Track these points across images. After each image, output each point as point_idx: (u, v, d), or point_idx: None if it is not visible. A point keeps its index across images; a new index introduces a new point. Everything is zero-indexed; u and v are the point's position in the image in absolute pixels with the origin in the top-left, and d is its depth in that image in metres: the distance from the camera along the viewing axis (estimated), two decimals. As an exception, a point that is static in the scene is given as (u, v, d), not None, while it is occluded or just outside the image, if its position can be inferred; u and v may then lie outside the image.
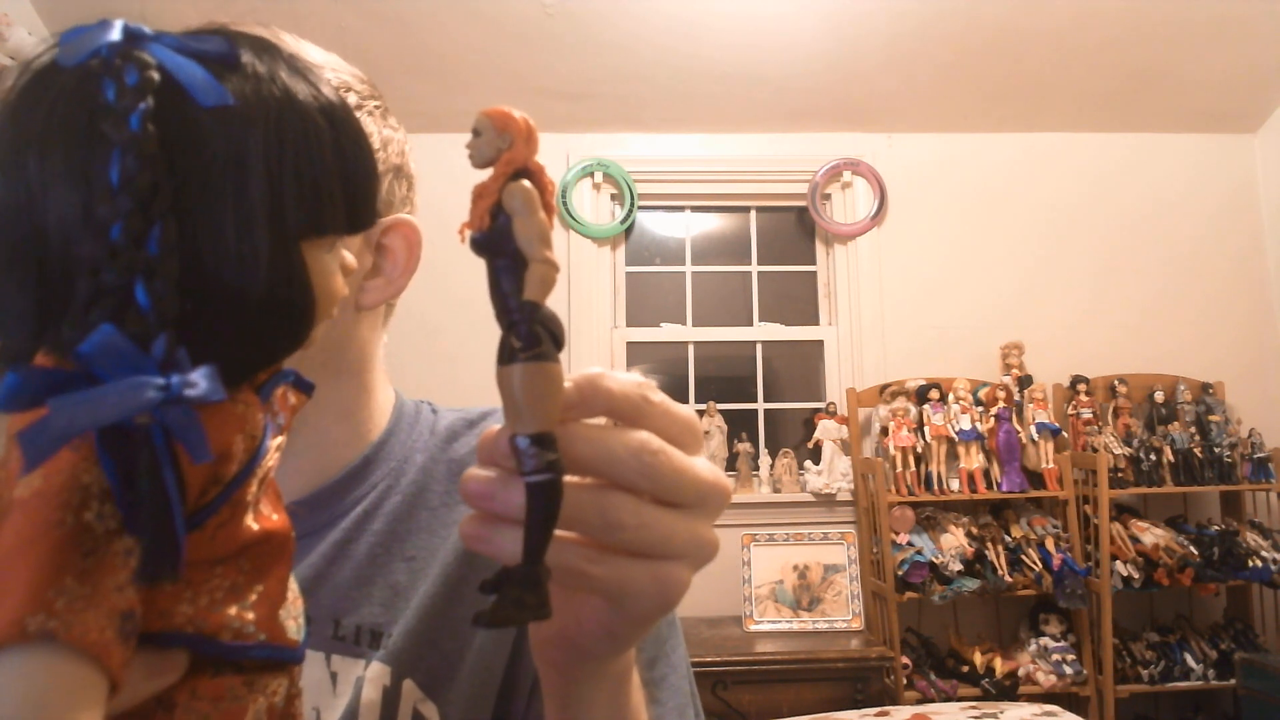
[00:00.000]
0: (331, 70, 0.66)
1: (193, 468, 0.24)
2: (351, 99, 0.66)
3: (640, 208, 3.39)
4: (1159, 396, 3.18)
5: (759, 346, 3.45)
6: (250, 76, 0.27)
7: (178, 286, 0.24)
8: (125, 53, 0.25)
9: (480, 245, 0.31)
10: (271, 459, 0.28)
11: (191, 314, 0.24)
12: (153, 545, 0.23)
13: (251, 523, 0.28)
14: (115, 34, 0.25)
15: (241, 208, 0.26)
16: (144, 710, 0.25)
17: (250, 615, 0.27)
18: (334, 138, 0.28)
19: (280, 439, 0.29)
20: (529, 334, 0.31)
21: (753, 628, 2.88)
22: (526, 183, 0.31)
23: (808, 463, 3.21)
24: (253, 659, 0.27)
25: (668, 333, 3.43)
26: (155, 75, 0.24)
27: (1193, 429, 3.11)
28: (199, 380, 0.23)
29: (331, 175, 0.28)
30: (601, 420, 0.36)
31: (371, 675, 0.60)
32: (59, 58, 0.25)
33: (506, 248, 0.31)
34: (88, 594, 0.21)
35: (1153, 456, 3.05)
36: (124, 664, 0.22)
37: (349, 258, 0.32)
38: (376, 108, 0.68)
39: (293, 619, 0.29)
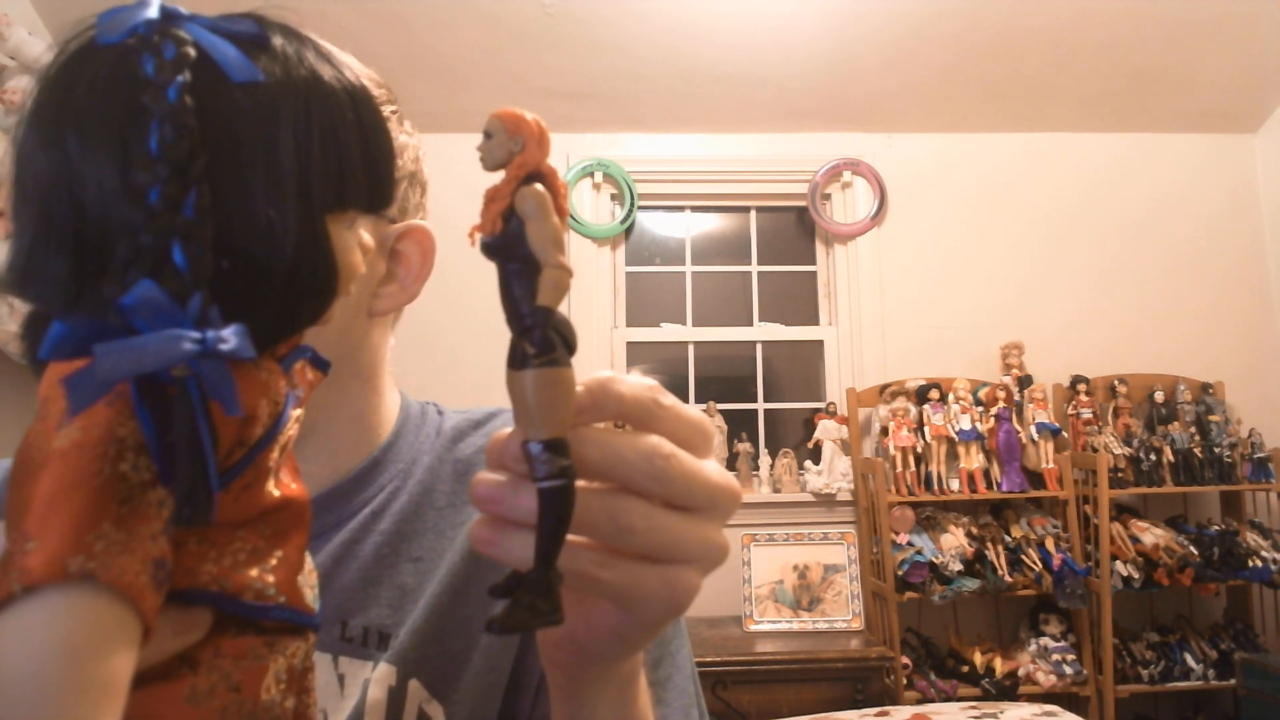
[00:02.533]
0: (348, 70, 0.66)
1: (222, 426, 0.25)
2: None
3: (640, 208, 3.39)
4: (1159, 396, 3.18)
5: (759, 346, 3.45)
6: (279, 57, 0.28)
7: (212, 249, 0.25)
8: (163, 30, 0.26)
9: (492, 249, 0.31)
10: (292, 428, 0.29)
11: (222, 279, 0.25)
12: (188, 490, 0.24)
13: (272, 489, 0.29)
14: (153, 12, 0.26)
15: (271, 179, 0.27)
16: (169, 666, 0.26)
17: (271, 578, 0.28)
18: (357, 118, 0.29)
19: (299, 410, 0.30)
20: (543, 339, 0.30)
21: (753, 628, 2.88)
22: (540, 186, 0.31)
23: (808, 463, 3.21)
24: (273, 620, 0.28)
25: (668, 333, 3.43)
26: (191, 51, 0.26)
27: (1193, 429, 3.11)
28: (230, 337, 0.24)
29: (354, 153, 0.29)
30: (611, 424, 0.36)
31: (378, 676, 0.60)
32: (98, 35, 0.26)
33: (519, 252, 0.31)
34: (124, 539, 0.22)
35: (1153, 456, 3.05)
36: (156, 609, 0.23)
37: (366, 237, 0.32)
38: (393, 113, 0.68)
39: (309, 587, 0.30)
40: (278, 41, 0.28)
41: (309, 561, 0.31)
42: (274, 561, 0.28)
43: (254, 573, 0.28)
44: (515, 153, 0.31)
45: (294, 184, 0.27)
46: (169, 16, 0.26)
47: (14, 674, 0.21)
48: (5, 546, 0.22)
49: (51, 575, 0.21)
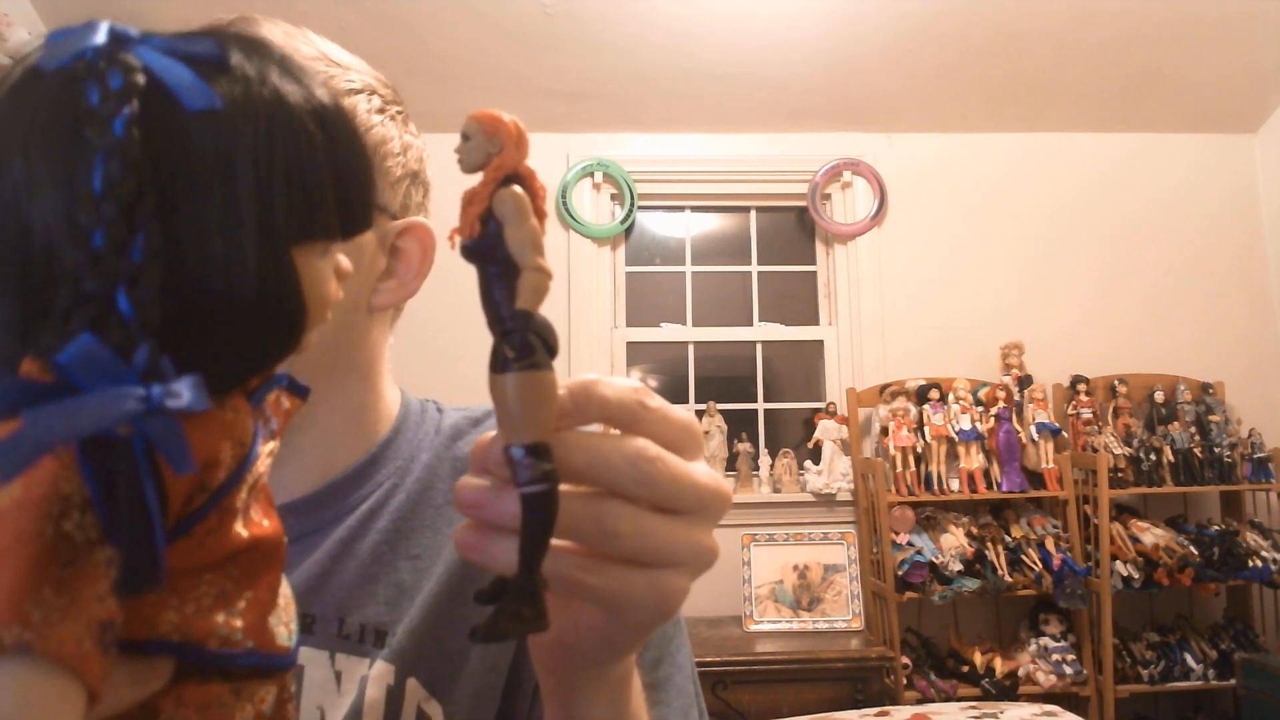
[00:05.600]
0: (356, 73, 0.67)
1: (173, 481, 0.24)
2: (375, 102, 0.66)
3: (640, 208, 3.39)
4: (1159, 396, 3.18)
5: (759, 346, 3.45)
6: (239, 79, 0.26)
7: (161, 295, 0.23)
8: (110, 55, 0.24)
9: (471, 252, 0.31)
10: (263, 465, 0.28)
11: (178, 321, 0.24)
12: (132, 557, 0.22)
13: (241, 529, 0.27)
14: (100, 36, 0.24)
15: (228, 213, 0.25)
16: (129, 718, 0.25)
17: (238, 622, 0.27)
18: (326, 141, 0.27)
19: (273, 444, 0.29)
20: (523, 343, 0.30)
21: (753, 628, 2.88)
22: (517, 188, 0.30)
23: (808, 463, 3.21)
24: (240, 667, 0.27)
25: (668, 333, 3.43)
26: (140, 79, 0.24)
27: (1193, 429, 3.11)
28: (183, 390, 0.22)
29: (323, 179, 0.27)
30: (597, 427, 0.35)
31: (376, 674, 0.60)
32: (40, 61, 0.24)
33: (498, 255, 0.30)
34: (65, 605, 0.21)
35: (1153, 456, 3.05)
36: (103, 675, 0.22)
37: (344, 261, 0.31)
38: (399, 113, 0.68)
39: (283, 625, 0.29)
40: (237, 61, 0.26)
41: (285, 595, 0.30)
42: (242, 604, 0.27)
43: (220, 618, 0.26)
44: (493, 154, 0.30)
45: (254, 218, 0.25)
46: (119, 39, 0.25)
47: None
48: None
49: None
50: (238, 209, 0.25)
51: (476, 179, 0.31)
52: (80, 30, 0.24)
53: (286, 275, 0.26)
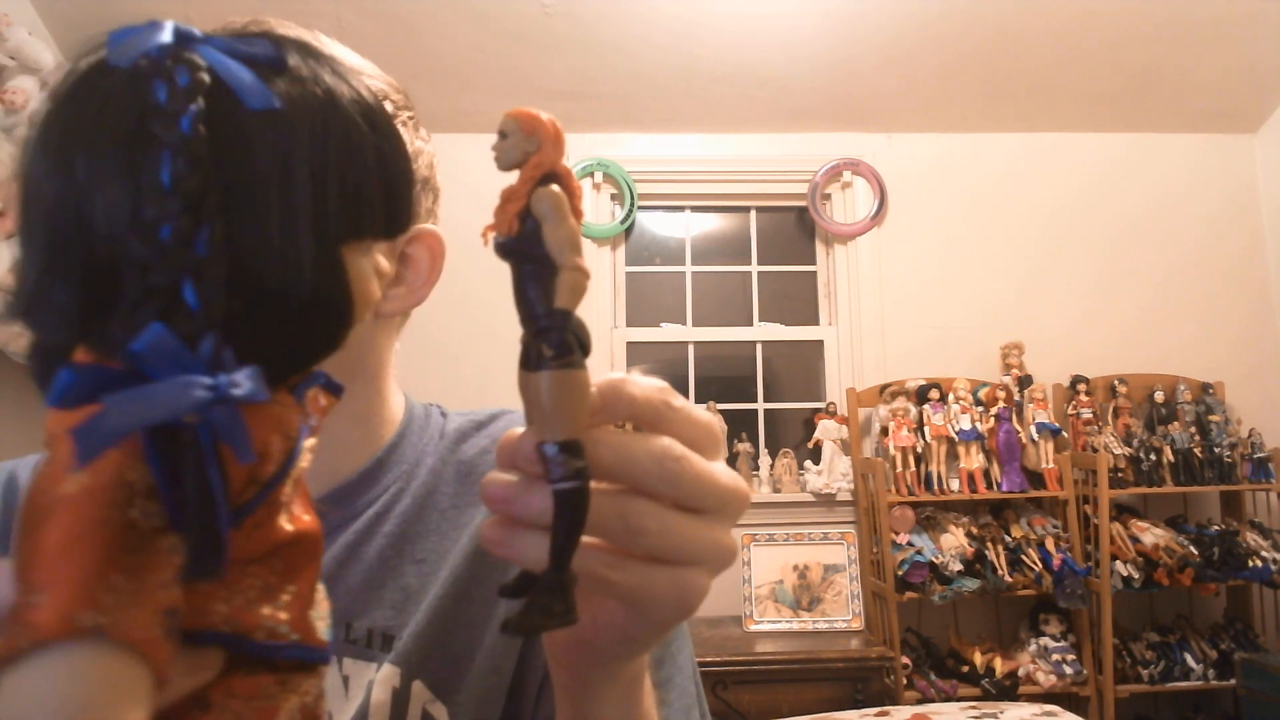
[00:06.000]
0: (368, 77, 0.67)
1: (234, 467, 0.24)
2: (387, 107, 0.66)
3: (640, 208, 3.39)
4: (1159, 396, 3.19)
5: (759, 346, 3.45)
6: (296, 80, 0.27)
7: (224, 287, 0.24)
8: (176, 54, 0.25)
9: (507, 250, 0.31)
10: (305, 460, 0.28)
11: (235, 315, 0.24)
12: (198, 543, 0.23)
13: (285, 524, 0.28)
14: (166, 35, 0.25)
15: (286, 211, 0.26)
16: (180, 708, 0.25)
17: (283, 615, 0.27)
18: (375, 142, 0.28)
19: (312, 440, 0.29)
20: (561, 341, 0.30)
21: (753, 628, 2.88)
22: (556, 188, 0.30)
23: (808, 463, 3.21)
24: (285, 659, 0.28)
25: (668, 333, 3.43)
26: (206, 77, 0.25)
27: (1193, 429, 3.11)
28: (243, 381, 0.23)
29: (372, 179, 0.28)
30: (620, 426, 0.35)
31: (382, 677, 0.60)
32: (109, 58, 0.25)
33: (535, 253, 0.30)
34: (134, 591, 0.22)
35: (1153, 456, 3.05)
36: (169, 661, 0.22)
37: (383, 262, 0.32)
38: (410, 119, 0.68)
39: (321, 620, 0.29)
40: (294, 62, 0.27)
41: (321, 593, 0.30)
42: (286, 598, 0.28)
43: (266, 610, 0.27)
44: (531, 153, 0.30)
45: (310, 216, 0.26)
46: (183, 39, 0.25)
47: None
48: (14, 597, 0.22)
49: (61, 632, 0.21)
50: (294, 207, 0.26)
51: (510, 177, 0.31)
52: (145, 29, 0.25)
53: (337, 272, 0.27)
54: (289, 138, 0.26)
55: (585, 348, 0.31)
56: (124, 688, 0.21)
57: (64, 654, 0.21)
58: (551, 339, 0.30)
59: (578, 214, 0.31)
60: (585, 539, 0.32)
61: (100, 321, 0.24)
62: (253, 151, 0.25)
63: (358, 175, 0.27)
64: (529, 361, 0.31)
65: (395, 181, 0.29)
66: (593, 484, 0.32)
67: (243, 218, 0.25)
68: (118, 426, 0.22)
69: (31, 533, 0.22)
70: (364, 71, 0.67)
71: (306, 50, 0.28)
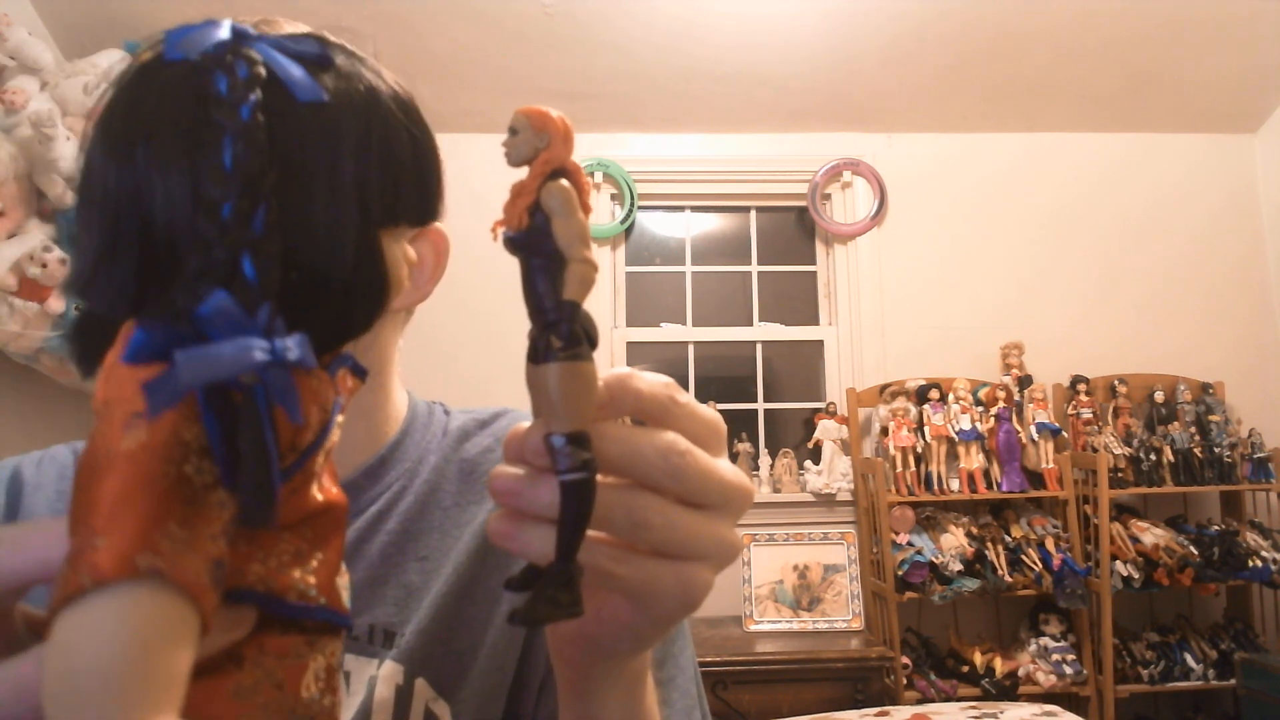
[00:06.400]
0: None
1: (283, 429, 0.26)
2: None
3: (640, 208, 3.39)
4: (1159, 396, 3.19)
5: (759, 346, 3.45)
6: (341, 76, 0.29)
7: (278, 262, 0.26)
8: (235, 49, 0.27)
9: (517, 244, 0.31)
10: (336, 434, 0.30)
11: (284, 290, 0.26)
12: (252, 494, 0.25)
13: (316, 493, 0.30)
14: (225, 33, 0.27)
15: (333, 195, 0.28)
16: (216, 662, 0.27)
17: (313, 579, 0.29)
18: (410, 136, 0.31)
19: (342, 417, 0.30)
20: (569, 333, 0.31)
21: (753, 628, 2.88)
22: (566, 182, 0.31)
23: (808, 463, 3.21)
24: (314, 620, 0.29)
25: (668, 333, 3.43)
26: (263, 71, 0.27)
27: (1193, 429, 3.11)
28: (295, 347, 0.25)
29: (408, 169, 0.30)
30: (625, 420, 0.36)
31: (384, 674, 0.60)
32: (168, 53, 0.27)
33: (544, 247, 0.31)
34: (188, 539, 0.23)
35: (1153, 456, 3.05)
36: (214, 608, 0.24)
37: (410, 250, 0.34)
38: None
39: (344, 589, 0.31)
40: (339, 60, 0.29)
41: (343, 564, 0.32)
42: (315, 563, 0.29)
43: (297, 574, 0.29)
44: (541, 149, 0.31)
45: (353, 200, 0.28)
46: (240, 36, 0.27)
47: (84, 664, 0.21)
48: (73, 543, 0.23)
49: (121, 571, 0.22)
50: (340, 192, 0.28)
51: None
52: (203, 27, 0.27)
53: (376, 253, 0.29)
54: (335, 128, 0.28)
55: (593, 340, 0.32)
56: (177, 628, 0.23)
57: (123, 593, 0.22)
58: (560, 331, 0.31)
59: (587, 209, 0.32)
60: (590, 533, 0.33)
61: (154, 296, 0.26)
62: (303, 140, 0.28)
63: (395, 164, 0.30)
64: (537, 354, 0.31)
65: (427, 171, 0.32)
66: (599, 478, 0.32)
67: (293, 201, 0.27)
68: (188, 381, 0.23)
69: (91, 485, 0.23)
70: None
71: (349, 52, 0.30)
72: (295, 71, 0.28)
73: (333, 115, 0.28)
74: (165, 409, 0.24)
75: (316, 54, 0.29)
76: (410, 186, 0.30)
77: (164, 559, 0.22)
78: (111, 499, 0.23)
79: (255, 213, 0.25)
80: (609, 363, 3.30)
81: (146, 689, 0.22)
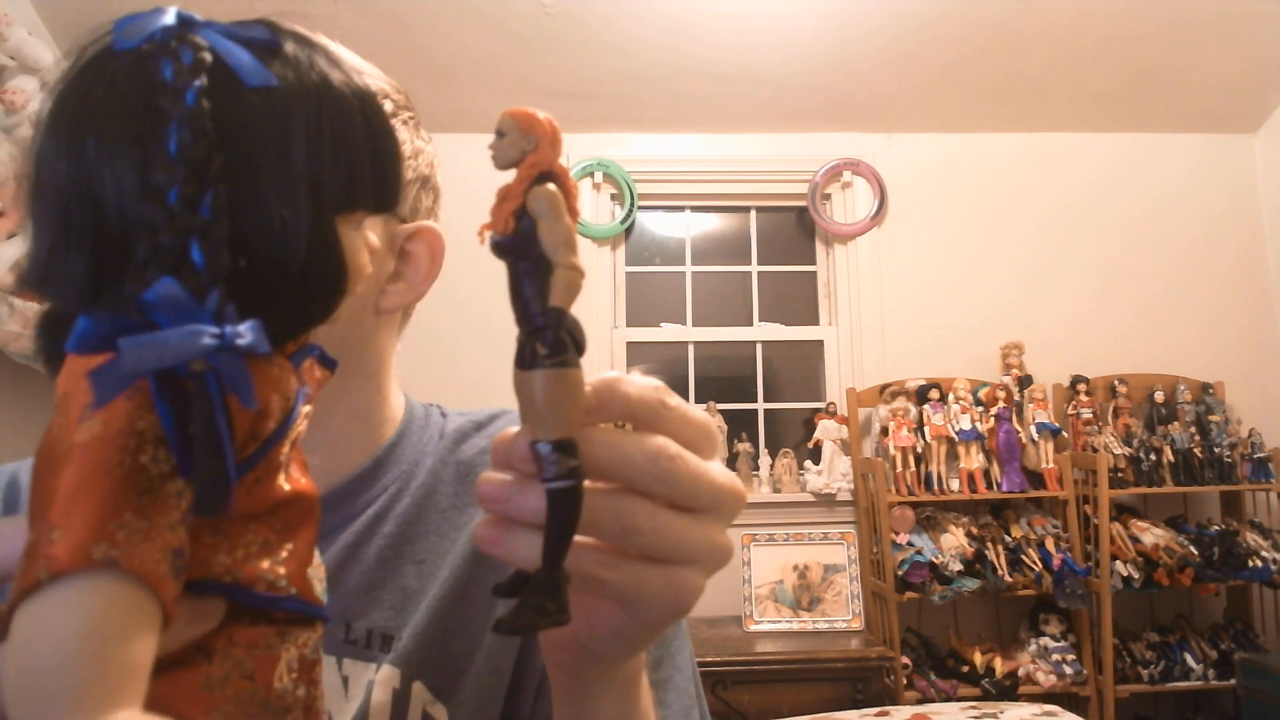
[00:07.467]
0: (369, 77, 0.67)
1: (238, 419, 0.26)
2: (388, 106, 0.67)
3: (640, 208, 3.39)
4: (1159, 396, 3.19)
5: (759, 346, 3.45)
6: (291, 63, 0.29)
7: (228, 248, 0.26)
8: (180, 36, 0.27)
9: (503, 248, 0.31)
10: (302, 424, 0.30)
11: (236, 277, 0.26)
12: (206, 481, 0.25)
13: (283, 483, 0.29)
14: (170, 19, 0.27)
15: (284, 180, 0.27)
16: (185, 654, 0.26)
17: (282, 570, 0.29)
18: (365, 122, 0.30)
19: (309, 407, 0.30)
20: (555, 340, 0.30)
21: (753, 628, 2.88)
22: (552, 186, 0.31)
23: (808, 463, 3.21)
24: (284, 611, 0.29)
25: (668, 333, 3.43)
26: (208, 56, 0.27)
27: (1193, 429, 3.11)
28: (247, 332, 0.25)
29: (363, 155, 0.30)
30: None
31: (382, 678, 0.60)
32: (115, 42, 0.27)
33: (530, 252, 0.30)
34: (145, 528, 0.23)
35: (1153, 456, 3.05)
36: (175, 597, 0.24)
37: (373, 238, 0.34)
38: (410, 118, 0.69)
39: (318, 580, 0.31)
40: (290, 47, 0.29)
41: (317, 555, 0.31)
42: (284, 554, 0.29)
43: (265, 564, 0.28)
44: (528, 151, 0.31)
45: (306, 185, 0.28)
46: (185, 23, 0.27)
47: (42, 656, 0.21)
48: (31, 537, 0.23)
49: (76, 563, 0.22)
50: (291, 177, 0.27)
51: (507, 176, 0.31)
52: (149, 15, 0.27)
53: (331, 240, 0.29)
54: (285, 113, 0.28)
55: (580, 346, 0.31)
56: (135, 616, 0.23)
57: (80, 583, 0.22)
58: (546, 337, 0.30)
59: (574, 213, 0.31)
60: (579, 538, 0.32)
61: (111, 287, 0.26)
62: (251, 125, 0.27)
63: (349, 150, 0.29)
64: (524, 360, 0.31)
65: (384, 157, 0.31)
66: (587, 483, 0.32)
67: (243, 186, 0.27)
68: (133, 369, 0.23)
69: (47, 477, 0.24)
70: (364, 72, 0.67)
71: (302, 39, 0.30)
72: (243, 57, 0.27)
73: (282, 100, 0.28)
74: (112, 397, 0.24)
75: (265, 39, 0.29)
76: (366, 172, 0.30)
77: (120, 549, 0.22)
78: (67, 491, 0.23)
79: (202, 198, 0.25)
80: (609, 364, 3.30)
81: (104, 678, 0.22)
